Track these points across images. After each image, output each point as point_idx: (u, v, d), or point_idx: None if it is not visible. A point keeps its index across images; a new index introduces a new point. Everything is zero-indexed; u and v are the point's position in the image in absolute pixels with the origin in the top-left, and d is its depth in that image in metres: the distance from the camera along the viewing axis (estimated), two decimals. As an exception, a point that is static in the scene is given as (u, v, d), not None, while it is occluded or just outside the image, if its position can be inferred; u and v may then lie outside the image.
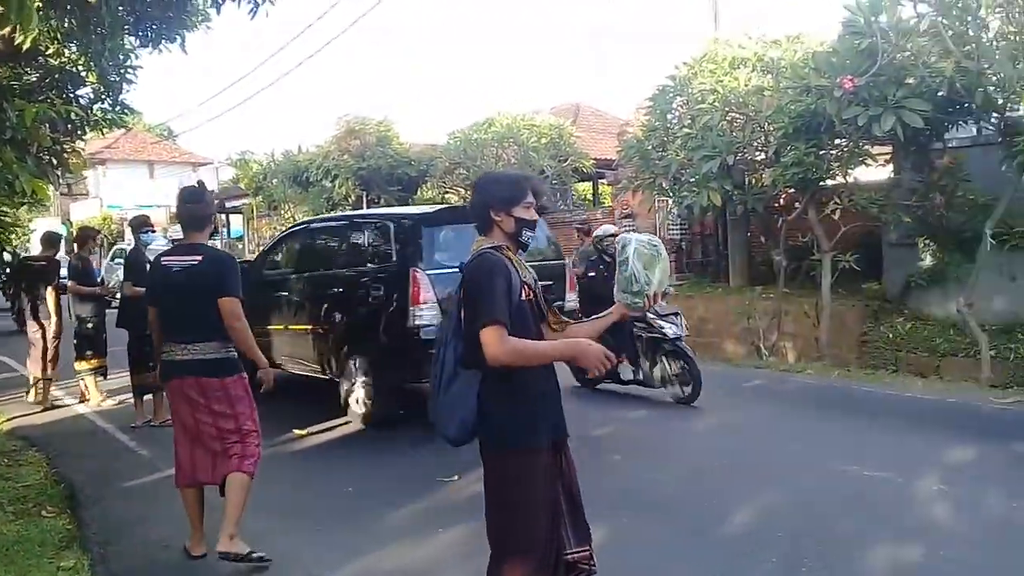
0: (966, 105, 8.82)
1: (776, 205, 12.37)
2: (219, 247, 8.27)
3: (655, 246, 3.23)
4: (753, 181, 12.24)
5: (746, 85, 11.46)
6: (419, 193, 22.49)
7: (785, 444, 6.95)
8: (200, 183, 5.63)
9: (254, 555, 4.56)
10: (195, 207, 4.79)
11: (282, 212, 26.00)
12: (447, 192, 21.43)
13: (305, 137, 44.64)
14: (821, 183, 10.63)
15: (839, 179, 10.61)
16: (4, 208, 7.12)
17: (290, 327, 8.60)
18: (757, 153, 11.95)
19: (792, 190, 11.28)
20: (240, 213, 31.23)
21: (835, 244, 10.67)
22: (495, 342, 2.82)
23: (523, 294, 3.01)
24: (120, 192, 37.31)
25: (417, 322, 7.15)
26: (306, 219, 13.89)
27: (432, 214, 8.41)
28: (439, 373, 3.01)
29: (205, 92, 61.32)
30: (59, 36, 7.74)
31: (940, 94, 8.54)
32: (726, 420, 7.88)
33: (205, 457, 4.74)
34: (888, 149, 11.07)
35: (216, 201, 31.87)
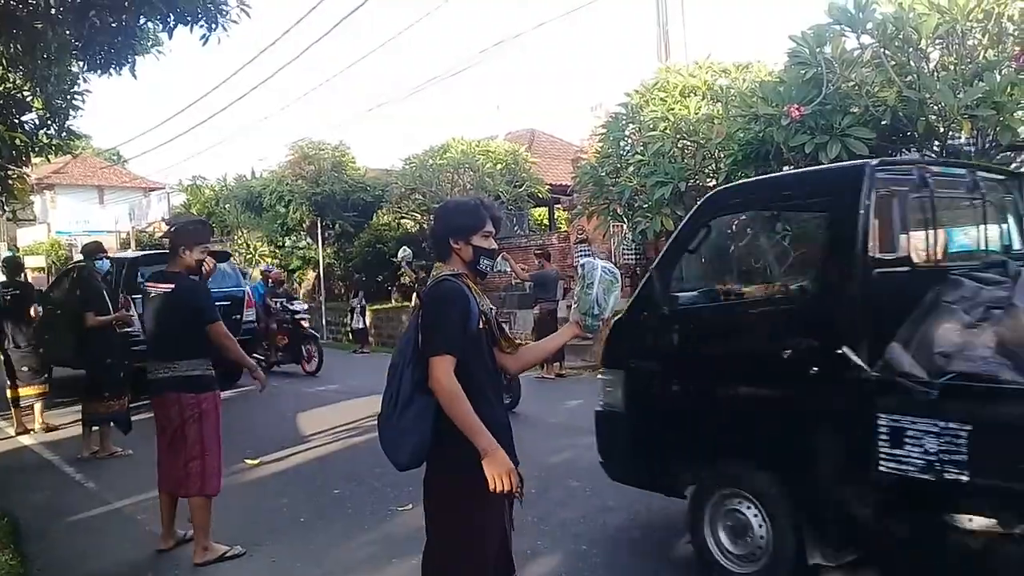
0: (909, 133, 9.01)
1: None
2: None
3: (614, 273, 3.29)
4: (705, 207, 12.37)
5: (696, 113, 11.62)
6: (375, 218, 22.41)
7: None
8: (202, 220, 6.39)
9: (228, 554, 5.09)
10: (179, 235, 5.32)
11: (235, 237, 25.72)
12: (403, 217, 21.40)
13: (259, 162, 44.24)
14: (771, 209, 10.77)
15: (789, 205, 10.77)
16: None
17: None
18: (708, 179, 12.07)
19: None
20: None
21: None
22: (443, 374, 2.88)
23: (480, 323, 3.04)
24: (69, 218, 36.60)
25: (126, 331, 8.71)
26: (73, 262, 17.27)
27: (144, 256, 12.89)
28: (394, 396, 2.98)
29: (156, 117, 60.61)
30: (3, 61, 7.61)
31: (884, 123, 8.72)
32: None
33: (174, 472, 5.12)
34: (836, 176, 11.28)
35: (170, 227, 31.53)
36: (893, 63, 8.52)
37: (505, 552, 3.11)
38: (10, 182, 7.58)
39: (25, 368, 9.12)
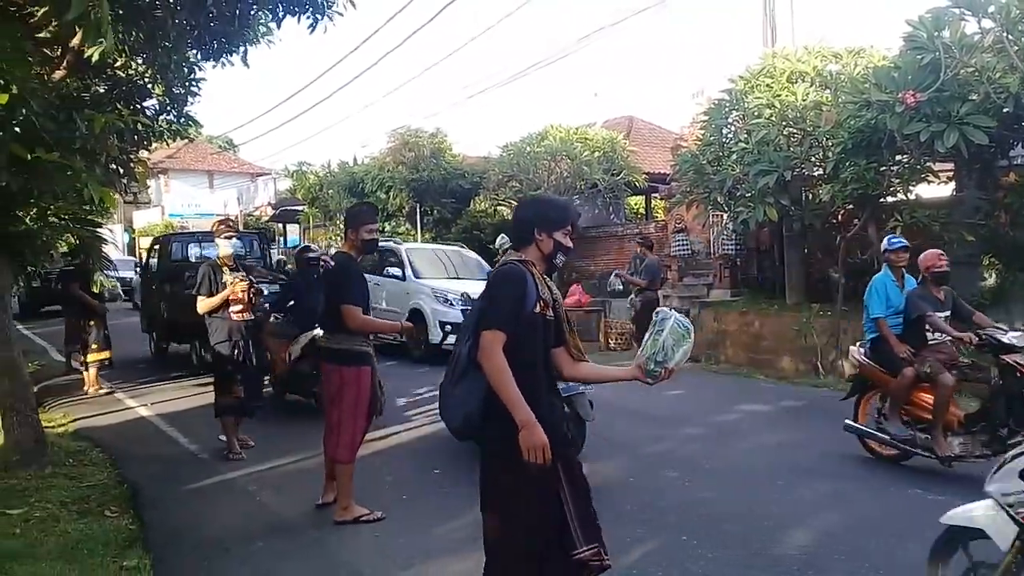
0: (1032, 122, 8.62)
1: (834, 221, 12.17)
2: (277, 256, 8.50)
3: (687, 327, 3.36)
4: (811, 197, 12.08)
5: (804, 100, 11.32)
6: (472, 205, 22.63)
7: (845, 465, 6.82)
8: (368, 203, 6.67)
9: (363, 518, 5.40)
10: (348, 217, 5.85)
11: (337, 222, 26.34)
12: (499, 204, 21.53)
13: (361, 148, 45.12)
14: (881, 200, 10.45)
15: (900, 196, 10.42)
16: (93, 219, 7.47)
17: None
18: (815, 168, 11.78)
19: (851, 206, 11.12)
20: (297, 223, 31.75)
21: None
22: (489, 346, 3.08)
23: (538, 307, 3.21)
24: (181, 201, 38.16)
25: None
26: None
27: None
28: (453, 367, 3.26)
29: (263, 104, 62.42)
30: (127, 49, 7.93)
31: (1005, 110, 8.35)
32: (785, 439, 7.75)
33: (326, 434, 5.59)
34: (951, 166, 10.85)
35: (275, 211, 32.29)
36: (1016, 48, 8.13)
37: (561, 530, 3.17)
38: (132, 166, 7.92)
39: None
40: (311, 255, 9.17)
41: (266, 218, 33.35)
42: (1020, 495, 3.41)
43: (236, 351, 7.18)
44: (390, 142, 23.54)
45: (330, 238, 27.19)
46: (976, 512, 3.63)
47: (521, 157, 19.23)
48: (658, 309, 3.54)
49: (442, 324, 12.30)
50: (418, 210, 22.26)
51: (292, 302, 9.13)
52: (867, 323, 7.01)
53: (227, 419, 7.26)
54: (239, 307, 7.24)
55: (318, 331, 6.87)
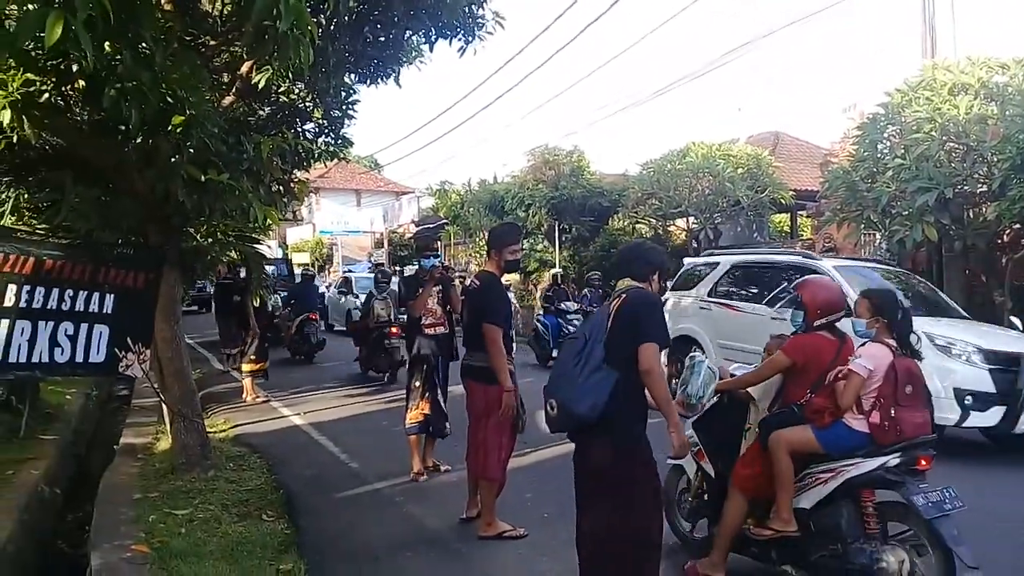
0: None
1: (1000, 241, 11.47)
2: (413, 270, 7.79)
3: (715, 372, 4.38)
4: (973, 215, 11.43)
5: (967, 113, 10.73)
6: (611, 223, 22.56)
7: (1002, 500, 6.35)
8: (511, 223, 7.54)
9: (506, 534, 5.48)
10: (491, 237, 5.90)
11: (477, 239, 26.79)
12: (638, 222, 21.35)
13: (502, 167, 45.80)
14: (1053, 219, 9.79)
15: (1075, 215, 9.72)
16: (255, 236, 7.93)
17: None
18: (979, 186, 11.14)
19: (1018, 226, 10.45)
20: (438, 239, 32.52)
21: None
22: (655, 358, 3.68)
23: None
24: (331, 218, 39.73)
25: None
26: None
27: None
28: (582, 361, 3.71)
29: (406, 123, 64.37)
30: (290, 75, 8.35)
31: None
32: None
33: (470, 451, 5.74)
34: None
35: (418, 227, 33.13)
36: None
37: None
38: (292, 185, 8.34)
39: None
40: (308, 271, 17.59)
41: (409, 235, 34.28)
42: (692, 439, 4.81)
43: (423, 367, 7.06)
44: (530, 160, 23.80)
45: (470, 255, 27.68)
46: None
47: (662, 175, 18.99)
48: (692, 354, 4.40)
49: (960, 394, 7.64)
50: (556, 228, 22.37)
51: (293, 301, 15.69)
52: None
53: (410, 437, 7.14)
54: (430, 319, 7.11)
55: (305, 315, 15.06)
